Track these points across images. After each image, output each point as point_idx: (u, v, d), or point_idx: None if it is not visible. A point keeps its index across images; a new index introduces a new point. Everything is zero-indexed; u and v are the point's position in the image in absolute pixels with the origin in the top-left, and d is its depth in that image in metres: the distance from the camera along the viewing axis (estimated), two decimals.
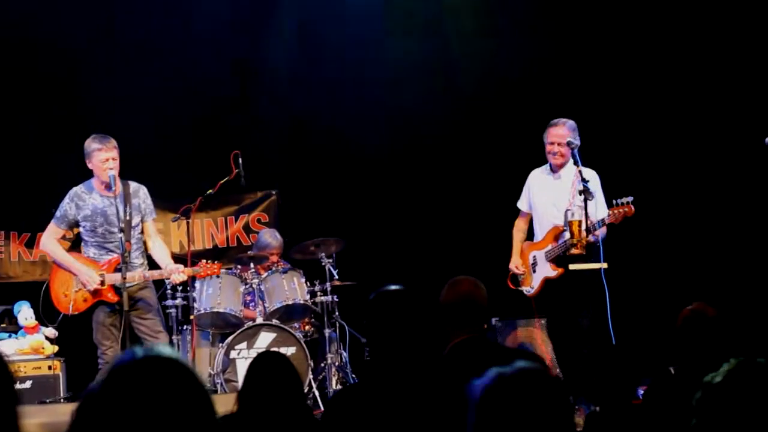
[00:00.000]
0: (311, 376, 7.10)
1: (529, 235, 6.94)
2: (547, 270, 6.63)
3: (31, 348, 7.51)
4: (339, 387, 7.29)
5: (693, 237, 8.72)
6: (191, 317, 7.20)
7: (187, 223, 7.46)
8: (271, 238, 8.08)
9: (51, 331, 7.64)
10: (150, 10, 8.97)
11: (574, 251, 6.34)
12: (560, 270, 6.52)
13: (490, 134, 9.17)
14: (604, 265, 6.32)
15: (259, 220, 9.32)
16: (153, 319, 6.54)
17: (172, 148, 9.01)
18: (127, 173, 6.61)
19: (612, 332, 6.29)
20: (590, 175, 6.56)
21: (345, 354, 7.66)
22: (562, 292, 6.54)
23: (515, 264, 6.84)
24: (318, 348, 7.70)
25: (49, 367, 7.39)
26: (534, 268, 6.75)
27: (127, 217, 6.37)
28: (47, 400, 7.09)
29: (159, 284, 7.10)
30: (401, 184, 9.29)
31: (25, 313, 7.66)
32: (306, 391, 6.75)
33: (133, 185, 6.55)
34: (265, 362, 3.76)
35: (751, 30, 8.64)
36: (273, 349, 6.94)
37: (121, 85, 8.85)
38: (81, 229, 6.54)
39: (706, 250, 8.63)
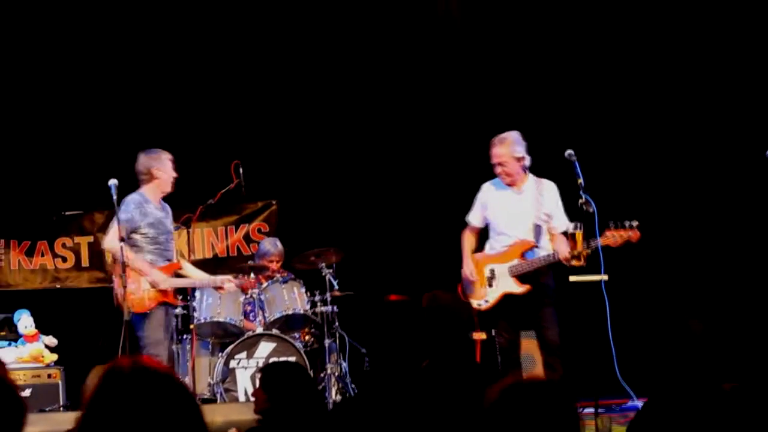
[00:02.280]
0: None
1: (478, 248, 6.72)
2: (509, 285, 6.44)
3: (30, 356, 7.51)
4: (339, 397, 7.28)
5: (695, 249, 8.71)
6: (191, 326, 7.19)
7: (188, 232, 7.46)
8: (270, 245, 8.07)
9: (50, 340, 7.64)
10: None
11: (575, 263, 6.25)
12: (527, 287, 6.39)
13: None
14: (605, 277, 6.27)
15: (259, 230, 9.32)
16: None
17: (173, 156, 8.99)
18: (129, 183, 6.62)
19: (612, 345, 6.27)
20: (549, 187, 6.54)
21: (345, 364, 7.65)
22: (524, 308, 6.42)
23: (470, 270, 6.55)
24: (318, 358, 7.68)
25: (49, 376, 7.40)
26: (491, 282, 6.51)
27: (171, 227, 6.71)
28: (47, 409, 7.09)
29: None
30: (402, 195, 9.28)
31: (24, 321, 7.66)
32: None
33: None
34: (284, 371, 3.79)
35: (753, 41, 8.65)
36: (273, 359, 6.94)
37: (123, 93, 8.86)
38: (139, 237, 6.54)
39: (708, 262, 8.62)
